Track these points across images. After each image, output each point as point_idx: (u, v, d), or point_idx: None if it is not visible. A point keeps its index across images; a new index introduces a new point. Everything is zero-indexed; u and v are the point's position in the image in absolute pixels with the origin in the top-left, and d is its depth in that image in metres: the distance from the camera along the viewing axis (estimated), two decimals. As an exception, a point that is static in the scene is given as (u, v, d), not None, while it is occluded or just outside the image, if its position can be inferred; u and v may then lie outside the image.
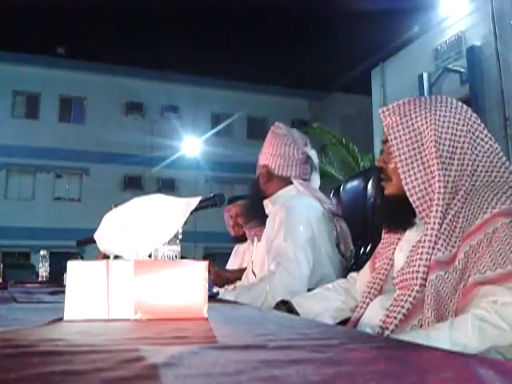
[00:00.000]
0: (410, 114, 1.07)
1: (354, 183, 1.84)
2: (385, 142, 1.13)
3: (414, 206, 1.05)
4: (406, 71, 11.02)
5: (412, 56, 11.18)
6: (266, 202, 1.77)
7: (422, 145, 1.04)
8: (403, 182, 1.05)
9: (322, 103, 17.35)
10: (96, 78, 15.56)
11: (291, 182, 1.75)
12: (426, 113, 1.05)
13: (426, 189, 1.03)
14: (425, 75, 10.39)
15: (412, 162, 1.05)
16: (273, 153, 1.76)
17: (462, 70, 9.65)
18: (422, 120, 1.05)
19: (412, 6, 11.30)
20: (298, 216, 1.61)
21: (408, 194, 1.04)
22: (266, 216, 1.75)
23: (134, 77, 15.74)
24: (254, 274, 1.74)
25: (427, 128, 1.04)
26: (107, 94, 15.71)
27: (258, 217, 1.79)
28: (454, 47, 10.01)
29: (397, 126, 1.07)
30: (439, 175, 1.01)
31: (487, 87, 9.20)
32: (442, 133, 1.03)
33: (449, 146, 1.02)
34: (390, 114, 1.10)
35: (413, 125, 1.06)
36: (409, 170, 1.05)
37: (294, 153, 1.75)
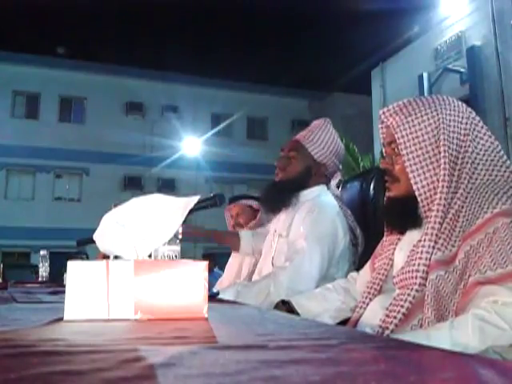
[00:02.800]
0: (416, 114, 1.06)
1: (353, 184, 1.83)
2: (389, 143, 1.12)
3: (420, 205, 1.04)
4: (406, 71, 11.02)
5: (412, 56, 11.18)
6: (302, 194, 1.72)
7: (430, 144, 1.04)
8: (412, 181, 1.04)
9: (322, 103, 17.34)
10: (96, 78, 15.56)
11: (323, 182, 1.76)
12: (431, 112, 1.05)
13: (434, 188, 1.03)
14: (425, 75, 10.39)
15: (420, 162, 1.04)
16: (333, 152, 1.72)
17: (462, 70, 9.66)
18: (429, 120, 1.04)
19: (412, 6, 11.31)
20: (328, 221, 1.60)
21: (417, 193, 1.04)
22: (283, 207, 1.71)
23: (134, 77, 15.73)
24: None
25: (436, 128, 1.03)
26: (107, 93, 15.71)
27: (280, 204, 1.73)
28: (454, 47, 10.02)
29: (403, 124, 1.06)
30: (444, 175, 1.01)
31: (487, 87, 9.20)
32: (450, 132, 1.03)
33: (456, 145, 1.03)
34: (391, 115, 1.10)
35: (419, 124, 1.05)
36: (417, 170, 1.04)
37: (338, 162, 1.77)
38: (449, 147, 1.02)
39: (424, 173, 1.04)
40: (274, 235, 1.75)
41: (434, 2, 10.78)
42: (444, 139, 1.02)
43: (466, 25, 9.83)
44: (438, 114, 1.04)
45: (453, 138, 1.03)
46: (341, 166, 1.80)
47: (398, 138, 1.06)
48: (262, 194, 1.87)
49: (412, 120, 1.06)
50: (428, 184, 1.03)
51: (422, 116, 1.05)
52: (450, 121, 1.04)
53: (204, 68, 16.96)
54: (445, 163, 1.01)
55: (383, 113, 1.12)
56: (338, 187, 1.84)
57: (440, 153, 1.02)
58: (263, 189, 1.86)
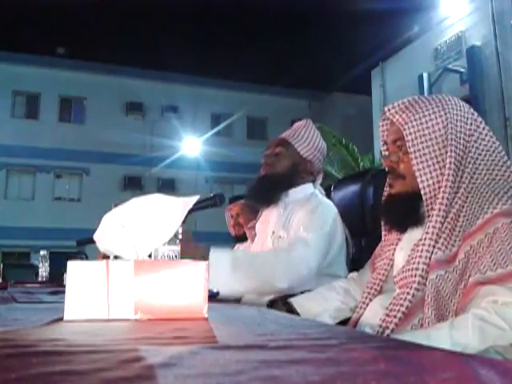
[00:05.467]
0: (423, 112, 1.06)
1: (349, 184, 1.83)
2: (395, 140, 1.11)
3: (424, 203, 1.04)
4: (406, 71, 11.03)
5: (412, 56, 11.19)
6: (291, 191, 1.72)
7: (437, 143, 1.03)
8: (418, 180, 1.04)
9: (322, 103, 17.35)
10: (96, 78, 15.56)
11: (310, 180, 1.77)
12: (439, 111, 1.05)
13: (439, 188, 1.03)
14: (425, 75, 10.40)
15: (427, 160, 1.04)
16: (318, 149, 1.75)
17: (462, 70, 9.66)
18: (437, 118, 1.04)
19: (412, 6, 11.33)
20: (330, 220, 1.61)
21: (422, 192, 1.04)
22: (271, 202, 1.71)
23: (134, 77, 15.74)
24: None
25: (444, 127, 1.03)
26: (107, 93, 15.71)
27: (269, 199, 1.73)
28: (454, 47, 10.02)
29: (411, 122, 1.05)
30: (449, 174, 1.00)
31: (487, 87, 9.20)
32: (457, 131, 1.03)
33: (462, 145, 1.03)
34: (397, 112, 1.09)
35: (426, 122, 1.05)
36: (424, 168, 1.04)
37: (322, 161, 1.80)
38: (456, 147, 1.02)
39: (430, 172, 1.03)
40: (272, 237, 1.74)
41: (434, 2, 10.78)
42: (452, 139, 1.02)
43: (466, 25, 9.84)
44: (445, 114, 1.04)
45: (459, 137, 1.03)
46: (322, 165, 1.83)
47: (406, 136, 1.05)
48: (249, 188, 1.87)
49: (420, 118, 1.05)
50: (434, 183, 1.03)
51: (429, 115, 1.05)
52: (457, 121, 1.04)
53: (204, 68, 16.99)
54: (450, 163, 1.01)
55: (388, 110, 1.11)
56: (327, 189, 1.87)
57: (447, 152, 1.02)
58: (250, 184, 1.86)
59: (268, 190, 1.73)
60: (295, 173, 1.73)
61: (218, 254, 1.42)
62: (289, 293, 1.43)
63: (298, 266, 1.49)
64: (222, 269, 1.39)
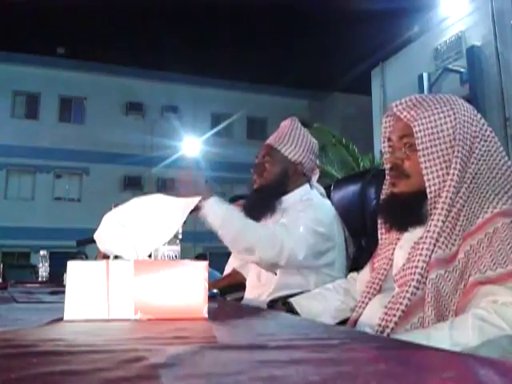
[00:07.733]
0: (432, 110, 1.05)
1: (349, 184, 1.82)
2: (401, 137, 1.10)
3: (429, 202, 1.04)
4: (406, 71, 11.02)
5: (412, 56, 11.19)
6: (285, 198, 1.70)
7: (445, 142, 1.03)
8: (425, 178, 1.03)
9: (322, 103, 17.35)
10: (96, 78, 15.57)
11: (305, 182, 1.75)
12: (448, 110, 1.05)
13: (443, 187, 1.02)
14: (425, 75, 10.39)
15: (434, 159, 1.03)
16: (306, 149, 1.72)
17: (462, 70, 9.66)
18: (445, 118, 1.04)
19: (412, 6, 11.31)
20: (323, 221, 1.58)
21: (428, 190, 1.03)
22: (268, 213, 1.71)
23: (134, 77, 15.75)
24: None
25: (452, 127, 1.03)
26: (107, 94, 15.72)
27: (264, 211, 1.72)
28: (454, 47, 10.01)
29: (420, 119, 1.05)
30: (453, 174, 1.00)
31: (487, 87, 9.20)
32: (464, 132, 1.03)
33: (468, 146, 1.03)
34: (405, 108, 1.08)
35: (435, 121, 1.04)
36: (431, 167, 1.03)
37: (314, 158, 1.76)
38: (462, 147, 1.02)
39: (437, 170, 1.03)
40: None
41: (434, 2, 10.78)
42: (459, 139, 1.02)
43: (466, 25, 9.83)
44: (454, 114, 1.04)
45: (466, 138, 1.03)
46: (317, 161, 1.80)
47: (416, 132, 1.04)
48: (245, 204, 1.85)
49: (429, 116, 1.05)
50: (439, 182, 1.03)
51: (438, 113, 1.04)
52: (464, 121, 1.04)
53: (204, 68, 16.95)
54: (456, 163, 1.01)
55: (396, 106, 1.10)
56: (327, 188, 1.85)
57: (453, 152, 1.02)
58: (246, 199, 1.86)
59: (261, 202, 1.71)
60: (286, 178, 1.70)
61: (214, 208, 1.51)
62: (262, 263, 1.54)
63: (277, 244, 1.48)
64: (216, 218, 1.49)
